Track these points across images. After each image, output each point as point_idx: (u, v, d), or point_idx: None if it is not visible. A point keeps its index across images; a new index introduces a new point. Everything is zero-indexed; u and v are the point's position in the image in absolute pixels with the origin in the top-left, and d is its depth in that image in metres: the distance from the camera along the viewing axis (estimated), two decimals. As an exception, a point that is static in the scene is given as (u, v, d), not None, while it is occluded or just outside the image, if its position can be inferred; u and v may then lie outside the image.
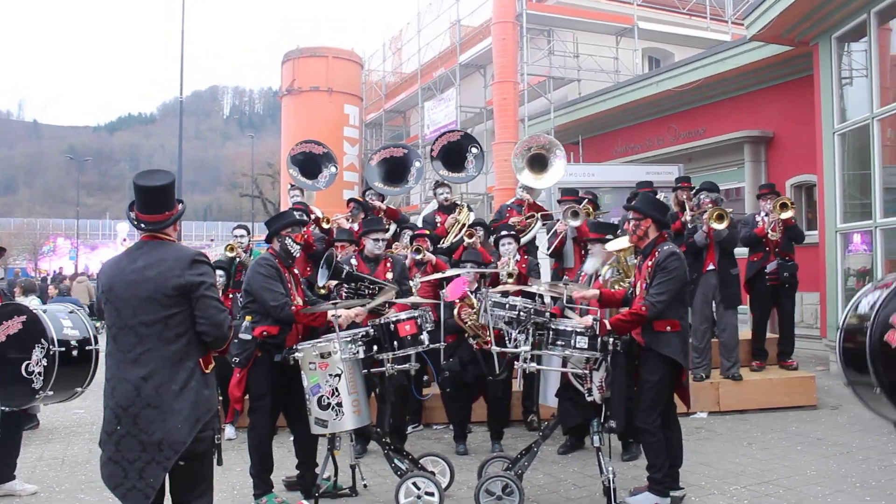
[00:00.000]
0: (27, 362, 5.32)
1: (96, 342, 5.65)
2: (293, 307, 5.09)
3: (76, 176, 63.93)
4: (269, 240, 5.45)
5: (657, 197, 6.58)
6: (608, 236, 6.17)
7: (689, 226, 7.95)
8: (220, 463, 3.68)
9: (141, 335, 3.29)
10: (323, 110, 20.53)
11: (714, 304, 7.93)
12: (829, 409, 7.73)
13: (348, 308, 5.24)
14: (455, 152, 9.39)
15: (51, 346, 5.32)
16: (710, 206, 7.75)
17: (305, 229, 7.25)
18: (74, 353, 5.51)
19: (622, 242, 5.80)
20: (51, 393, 5.44)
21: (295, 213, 6.69)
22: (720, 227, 7.52)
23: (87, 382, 5.69)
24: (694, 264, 7.70)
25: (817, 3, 9.63)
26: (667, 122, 15.50)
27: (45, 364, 5.32)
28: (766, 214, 8.24)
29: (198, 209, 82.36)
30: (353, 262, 6.42)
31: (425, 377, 7.28)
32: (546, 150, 8.45)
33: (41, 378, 5.33)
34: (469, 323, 6.32)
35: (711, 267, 7.84)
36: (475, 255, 7.00)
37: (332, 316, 4.97)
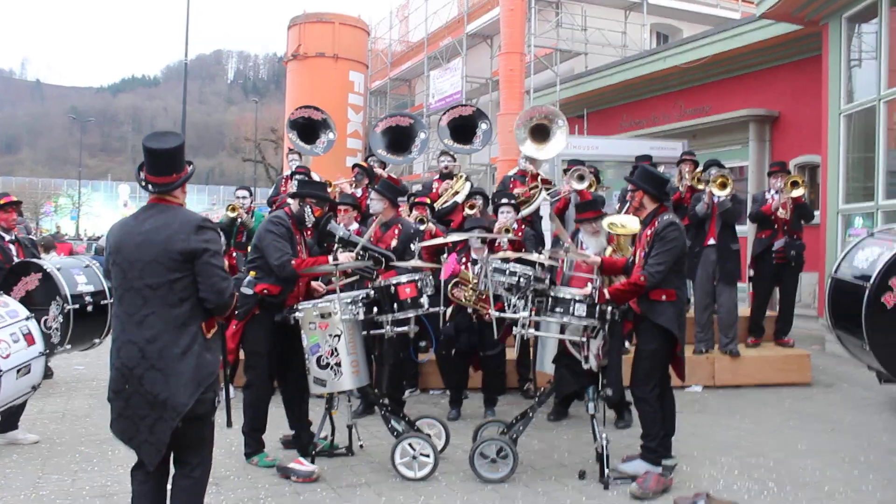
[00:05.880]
0: (45, 318, 5.39)
1: (111, 295, 5.68)
2: (294, 261, 5.14)
3: (79, 137, 63.85)
4: (292, 196, 5.50)
5: (657, 170, 6.56)
6: (604, 211, 6.15)
7: (693, 195, 7.92)
8: (229, 425, 3.73)
9: (146, 297, 3.32)
10: (328, 76, 20.29)
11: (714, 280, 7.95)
12: (823, 387, 7.80)
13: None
14: (465, 126, 9.39)
15: (65, 304, 5.39)
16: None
17: None
18: (89, 308, 5.59)
19: (629, 223, 5.49)
20: (69, 346, 5.53)
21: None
22: (722, 193, 7.49)
23: (104, 334, 5.77)
24: (696, 237, 7.72)
25: (829, -18, 9.57)
26: (673, 99, 15.42)
27: (62, 320, 5.40)
28: (777, 192, 8.21)
29: (200, 173, 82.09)
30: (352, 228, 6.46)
31: (422, 343, 7.27)
32: (548, 120, 8.42)
33: (58, 333, 5.41)
34: (466, 298, 6.35)
35: (712, 241, 7.80)
36: (479, 221, 6.99)
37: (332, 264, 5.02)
